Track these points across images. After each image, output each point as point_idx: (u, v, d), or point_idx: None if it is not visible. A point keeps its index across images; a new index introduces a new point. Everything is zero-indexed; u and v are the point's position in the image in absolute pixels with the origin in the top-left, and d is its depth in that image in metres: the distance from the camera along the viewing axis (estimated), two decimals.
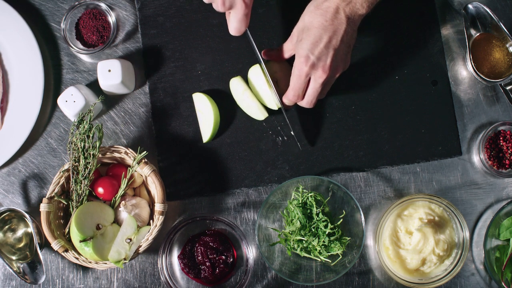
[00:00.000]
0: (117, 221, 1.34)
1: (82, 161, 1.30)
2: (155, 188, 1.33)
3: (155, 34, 1.43)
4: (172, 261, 1.39)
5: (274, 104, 1.37)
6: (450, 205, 1.34)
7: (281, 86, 1.37)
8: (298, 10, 1.42)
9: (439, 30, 1.42)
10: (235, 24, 1.24)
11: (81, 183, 1.31)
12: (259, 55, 1.34)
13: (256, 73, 1.37)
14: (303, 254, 1.37)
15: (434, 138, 1.40)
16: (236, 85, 1.39)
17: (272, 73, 1.37)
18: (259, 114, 1.38)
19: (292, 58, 1.40)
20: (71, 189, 1.33)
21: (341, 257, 1.36)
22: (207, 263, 1.36)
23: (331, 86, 1.31)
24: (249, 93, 1.38)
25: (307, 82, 1.26)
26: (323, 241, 1.34)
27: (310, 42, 1.21)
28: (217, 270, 1.36)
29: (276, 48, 1.36)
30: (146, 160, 1.34)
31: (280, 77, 1.37)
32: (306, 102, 1.30)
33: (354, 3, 1.21)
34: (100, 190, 1.33)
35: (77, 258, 1.31)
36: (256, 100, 1.38)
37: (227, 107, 1.41)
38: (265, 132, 1.41)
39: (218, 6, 1.21)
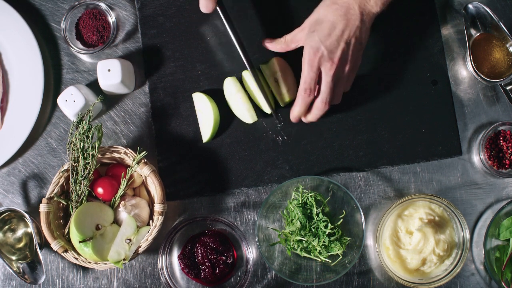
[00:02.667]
0: (116, 222, 1.34)
1: (81, 162, 1.30)
2: (154, 188, 1.33)
3: (155, 34, 1.43)
4: (172, 261, 1.39)
5: (268, 108, 1.37)
6: (450, 205, 1.33)
7: (281, 86, 1.37)
8: (299, 10, 1.42)
9: (439, 30, 1.42)
10: (203, 1, 1.28)
11: (81, 184, 1.31)
12: (245, 61, 1.35)
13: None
14: (303, 254, 1.37)
15: (434, 138, 1.40)
16: (229, 86, 1.39)
17: (272, 73, 1.37)
18: (248, 117, 1.38)
19: (291, 58, 1.40)
20: (71, 189, 1.32)
21: (341, 257, 1.36)
22: (207, 263, 1.36)
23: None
24: (241, 94, 1.37)
25: (318, 76, 1.26)
26: (323, 241, 1.34)
27: (323, 34, 1.23)
28: (217, 271, 1.36)
29: (279, 38, 1.35)
30: (145, 160, 1.34)
31: (280, 77, 1.37)
32: (321, 100, 1.28)
33: (368, 1, 1.23)
34: (100, 190, 1.33)
35: (76, 259, 1.31)
36: (247, 103, 1.38)
37: (227, 107, 1.41)
38: (265, 132, 1.41)
39: None
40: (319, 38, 1.23)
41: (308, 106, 1.30)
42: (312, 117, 1.32)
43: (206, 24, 1.43)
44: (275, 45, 1.35)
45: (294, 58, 1.39)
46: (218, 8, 1.32)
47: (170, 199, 1.40)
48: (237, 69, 1.41)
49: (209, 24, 1.43)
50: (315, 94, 1.28)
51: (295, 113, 1.32)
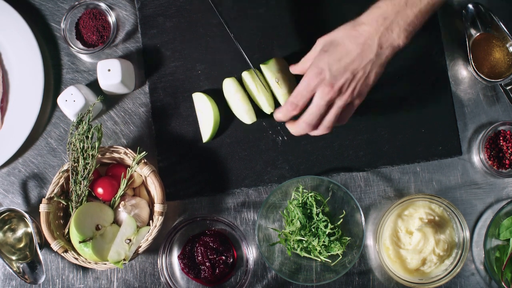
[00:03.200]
0: (116, 222, 1.34)
1: (81, 162, 1.30)
2: (154, 188, 1.33)
3: (155, 34, 1.43)
4: (172, 261, 1.39)
5: (268, 109, 1.37)
6: (450, 205, 1.33)
7: (282, 86, 1.37)
8: (299, 10, 1.42)
9: (439, 30, 1.42)
10: None
11: (81, 184, 1.31)
12: (246, 57, 1.34)
13: (252, 75, 1.38)
14: (303, 254, 1.37)
15: (434, 138, 1.40)
16: (228, 86, 1.39)
17: (274, 72, 1.37)
18: (246, 118, 1.38)
19: (292, 59, 1.40)
20: (71, 189, 1.32)
21: (341, 257, 1.36)
22: (207, 263, 1.36)
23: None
24: (240, 95, 1.37)
25: (310, 97, 1.21)
26: (323, 241, 1.34)
27: (333, 58, 1.18)
28: (217, 270, 1.36)
29: (299, 62, 1.32)
30: (145, 160, 1.34)
31: (281, 77, 1.37)
32: (304, 120, 1.21)
33: (391, 31, 1.17)
34: (100, 190, 1.33)
35: (76, 259, 1.31)
36: (247, 103, 1.38)
37: (227, 107, 1.41)
38: (265, 132, 1.41)
39: None
40: (328, 60, 1.18)
41: (289, 118, 1.24)
42: (293, 130, 1.25)
43: (207, 24, 1.43)
44: (296, 68, 1.33)
45: (295, 59, 1.40)
46: None
47: (170, 199, 1.40)
48: (237, 69, 1.41)
49: (209, 24, 1.42)
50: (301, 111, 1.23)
51: (276, 117, 1.26)
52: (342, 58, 1.18)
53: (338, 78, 1.18)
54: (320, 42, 1.24)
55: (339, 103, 1.20)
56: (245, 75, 1.38)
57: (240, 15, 1.42)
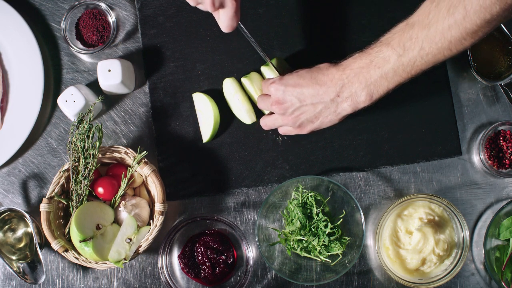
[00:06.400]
0: (117, 221, 1.34)
1: (82, 161, 1.30)
2: (155, 188, 1.33)
3: (155, 34, 1.43)
4: (172, 261, 1.39)
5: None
6: (450, 205, 1.34)
7: None
8: (299, 10, 1.42)
9: None
10: (227, 22, 1.20)
11: (81, 183, 1.31)
12: (261, 51, 1.34)
13: (252, 77, 1.38)
14: (303, 254, 1.37)
15: (434, 138, 1.40)
16: (228, 86, 1.39)
17: (281, 72, 1.37)
18: (246, 118, 1.38)
19: (292, 59, 1.41)
20: (71, 189, 1.33)
21: (341, 257, 1.36)
22: (207, 263, 1.36)
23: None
24: (240, 95, 1.38)
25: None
26: (323, 241, 1.34)
27: (294, 80, 1.25)
28: (217, 270, 1.36)
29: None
30: (146, 160, 1.34)
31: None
32: (262, 119, 1.36)
33: (352, 84, 1.21)
34: (100, 190, 1.33)
35: (77, 258, 1.31)
36: (247, 103, 1.38)
37: (227, 107, 1.41)
38: (265, 132, 1.41)
39: (207, 7, 1.17)
40: (288, 80, 1.25)
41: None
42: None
43: (207, 24, 1.43)
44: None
45: (295, 59, 1.40)
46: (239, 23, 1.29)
47: (170, 199, 1.40)
48: (237, 69, 1.41)
49: (209, 24, 1.43)
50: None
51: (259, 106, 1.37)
52: (299, 84, 1.24)
53: (286, 99, 1.26)
54: (304, 69, 1.28)
55: (279, 120, 1.31)
56: (244, 80, 1.38)
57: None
